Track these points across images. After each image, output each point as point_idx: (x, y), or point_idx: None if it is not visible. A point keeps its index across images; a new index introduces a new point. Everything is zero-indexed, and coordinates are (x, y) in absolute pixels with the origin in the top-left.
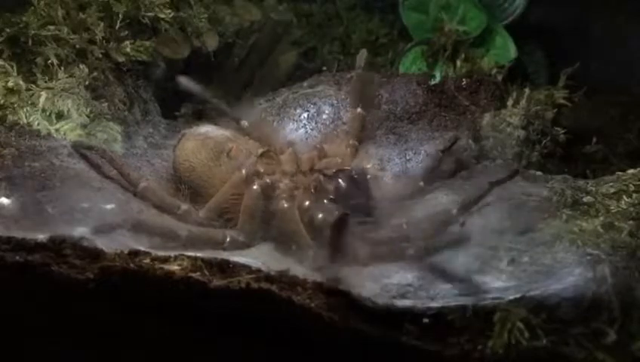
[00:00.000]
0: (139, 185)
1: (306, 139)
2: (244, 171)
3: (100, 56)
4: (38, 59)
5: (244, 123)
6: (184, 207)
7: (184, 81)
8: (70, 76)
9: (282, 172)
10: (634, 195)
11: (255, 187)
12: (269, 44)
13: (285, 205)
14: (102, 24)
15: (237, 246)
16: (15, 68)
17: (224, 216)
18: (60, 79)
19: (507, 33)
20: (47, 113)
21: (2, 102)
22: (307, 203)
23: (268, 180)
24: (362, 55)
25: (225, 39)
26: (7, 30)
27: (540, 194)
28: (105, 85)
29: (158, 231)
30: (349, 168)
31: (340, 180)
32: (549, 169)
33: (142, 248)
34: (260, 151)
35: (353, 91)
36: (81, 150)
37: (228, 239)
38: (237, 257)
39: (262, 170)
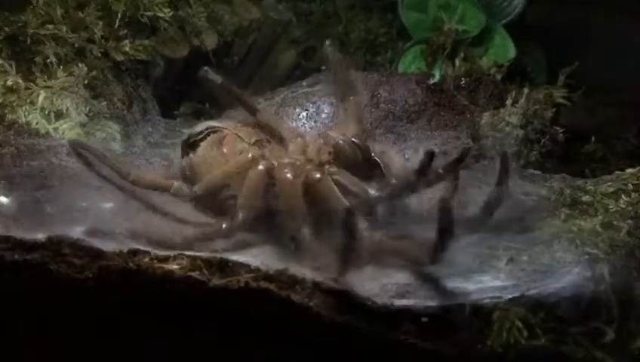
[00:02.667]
0: (129, 176)
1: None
2: (250, 155)
3: (99, 55)
4: (37, 58)
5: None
6: (176, 183)
7: (209, 74)
8: (69, 75)
9: (289, 157)
10: (633, 194)
11: (260, 167)
12: (268, 43)
13: (288, 175)
14: (101, 23)
15: (236, 228)
16: (14, 66)
17: (224, 202)
18: (58, 78)
19: (506, 32)
20: (46, 112)
21: (1, 100)
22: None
23: (274, 162)
24: (330, 48)
25: (224, 38)
26: (6, 29)
27: (538, 194)
28: (104, 84)
29: (154, 240)
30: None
31: (341, 142)
32: (547, 168)
33: (141, 247)
34: (254, 139)
35: (344, 80)
36: (78, 149)
37: (224, 225)
38: (236, 256)
39: (267, 154)
